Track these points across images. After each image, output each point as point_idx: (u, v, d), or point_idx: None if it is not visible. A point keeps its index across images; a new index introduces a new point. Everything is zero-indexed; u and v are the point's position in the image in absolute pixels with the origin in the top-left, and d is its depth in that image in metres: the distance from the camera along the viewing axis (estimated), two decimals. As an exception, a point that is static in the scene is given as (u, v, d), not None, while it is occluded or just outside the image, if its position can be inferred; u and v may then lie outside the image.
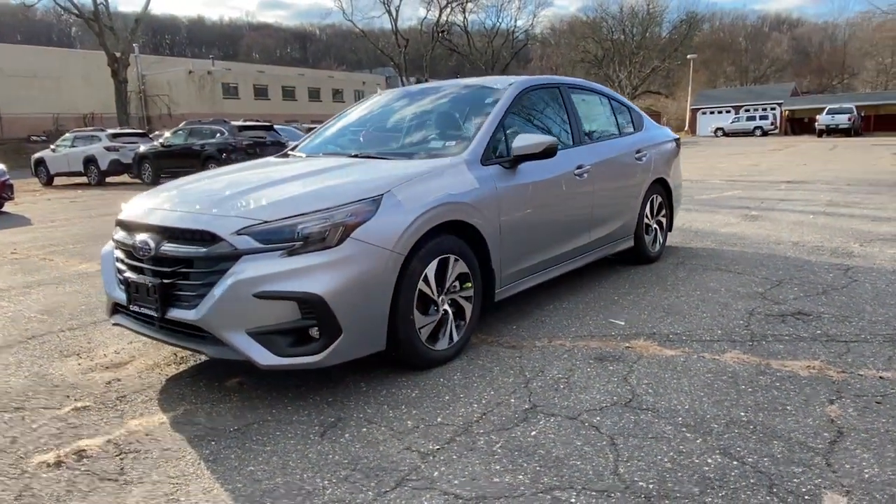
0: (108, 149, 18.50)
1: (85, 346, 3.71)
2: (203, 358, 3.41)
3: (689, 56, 49.30)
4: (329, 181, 3.16)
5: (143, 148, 18.22)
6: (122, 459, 2.41)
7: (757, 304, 3.99)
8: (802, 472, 2.14)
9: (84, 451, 2.48)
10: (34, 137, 36.24)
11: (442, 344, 3.19)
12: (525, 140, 3.56)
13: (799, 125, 48.79)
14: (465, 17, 54.04)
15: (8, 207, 12.19)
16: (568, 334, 3.60)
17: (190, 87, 44.94)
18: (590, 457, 2.29)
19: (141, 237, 2.91)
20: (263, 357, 2.63)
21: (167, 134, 18.57)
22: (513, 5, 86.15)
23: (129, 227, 3.11)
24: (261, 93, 48.58)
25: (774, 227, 6.88)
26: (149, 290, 2.83)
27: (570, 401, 2.75)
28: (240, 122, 17.49)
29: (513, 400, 2.78)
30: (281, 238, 2.69)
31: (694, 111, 54.58)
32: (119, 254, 3.15)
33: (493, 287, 3.53)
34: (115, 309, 3.23)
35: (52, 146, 20.39)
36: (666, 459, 2.25)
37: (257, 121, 19.47)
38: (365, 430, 2.57)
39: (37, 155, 20.41)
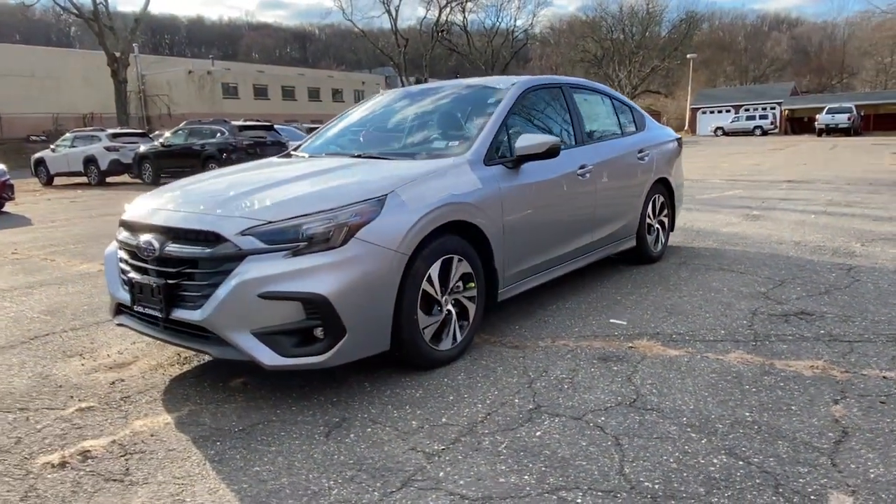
0: (108, 149, 18.48)
1: (88, 347, 3.71)
2: (206, 358, 3.42)
3: (688, 55, 49.32)
4: (333, 181, 3.16)
5: (143, 148, 18.21)
6: (127, 460, 2.41)
7: (760, 304, 4.00)
8: (808, 472, 2.15)
9: (89, 451, 2.48)
10: (33, 137, 36.21)
11: (445, 344, 3.19)
12: (528, 140, 3.56)
13: (799, 124, 48.82)
14: (464, 17, 54.07)
15: (8, 207, 12.19)
16: (571, 334, 3.60)
17: (190, 87, 44.92)
18: (595, 457, 2.29)
19: (145, 238, 2.91)
20: (268, 357, 2.63)
21: (167, 134, 18.57)
22: (512, 5, 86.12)
23: (133, 227, 3.11)
24: (260, 93, 48.54)
25: (776, 226, 6.88)
26: (153, 290, 2.83)
27: (575, 401, 2.75)
28: (240, 122, 17.49)
29: (517, 400, 2.78)
30: (285, 238, 2.69)
31: (694, 110, 54.60)
32: (123, 254, 3.15)
33: (497, 287, 3.53)
34: (119, 309, 3.23)
35: (51, 146, 20.38)
36: (671, 460, 2.25)
37: (257, 121, 19.46)
38: (370, 430, 2.57)
39: (37, 155, 20.39)
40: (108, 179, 19.11)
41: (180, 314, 2.77)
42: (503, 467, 2.25)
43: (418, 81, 48.14)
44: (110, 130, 20.01)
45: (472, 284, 3.31)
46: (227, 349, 2.71)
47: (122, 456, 2.44)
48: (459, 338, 3.27)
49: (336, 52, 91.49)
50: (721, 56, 76.81)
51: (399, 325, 2.91)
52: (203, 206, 2.94)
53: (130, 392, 3.04)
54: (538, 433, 2.48)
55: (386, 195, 2.92)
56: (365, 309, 2.76)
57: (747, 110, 51.12)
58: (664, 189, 5.34)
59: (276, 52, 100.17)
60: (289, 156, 4.37)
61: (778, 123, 48.42)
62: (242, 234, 2.69)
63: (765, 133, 45.35)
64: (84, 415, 2.81)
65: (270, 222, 2.71)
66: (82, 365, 3.42)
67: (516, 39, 60.69)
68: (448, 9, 51.13)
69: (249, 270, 2.63)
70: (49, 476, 2.32)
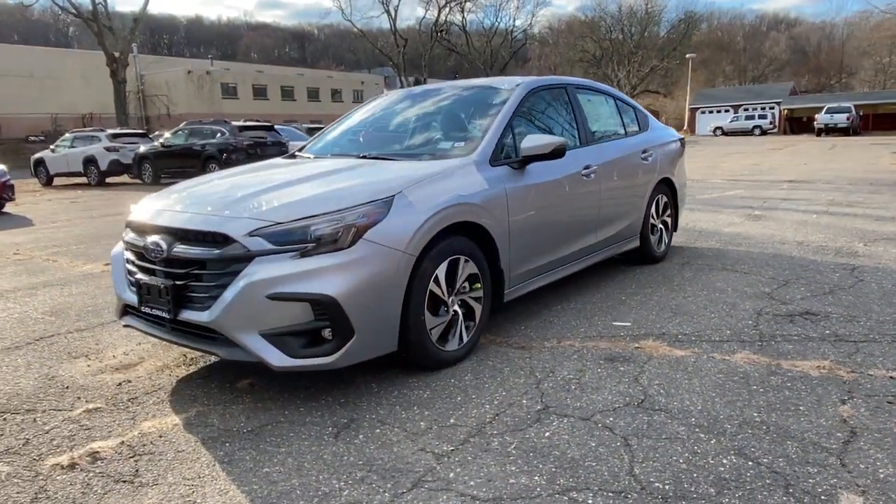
0: (107, 149, 18.49)
1: (93, 348, 3.71)
2: (213, 359, 3.42)
3: (687, 55, 49.36)
4: (340, 183, 3.16)
5: (143, 148, 18.22)
6: (136, 461, 2.41)
7: (764, 304, 4.00)
8: (818, 472, 2.15)
9: (98, 452, 2.48)
10: (32, 138, 36.19)
11: (452, 345, 3.19)
12: (534, 141, 3.56)
13: (798, 124, 48.86)
14: (463, 17, 54.13)
15: (9, 208, 12.18)
16: (577, 335, 3.60)
17: (189, 87, 44.88)
18: (605, 458, 2.29)
19: (152, 239, 2.91)
20: (276, 358, 2.64)
21: (167, 134, 18.56)
22: (511, 5, 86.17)
23: (139, 228, 3.11)
24: (260, 93, 48.52)
25: (778, 226, 6.89)
26: (161, 291, 2.82)
27: (583, 402, 2.75)
28: (240, 123, 17.49)
29: (525, 401, 2.79)
30: (293, 239, 2.69)
31: (693, 110, 54.63)
32: (130, 255, 3.15)
33: (503, 288, 3.53)
34: (125, 310, 3.23)
35: (51, 146, 20.37)
36: (681, 460, 2.25)
37: (258, 121, 19.46)
38: (378, 431, 2.57)
39: (36, 155, 20.39)
40: (108, 180, 19.12)
41: (188, 315, 2.77)
42: (513, 468, 2.25)
43: (417, 81, 48.20)
44: (110, 131, 20.01)
45: (479, 285, 3.32)
46: (234, 350, 2.71)
47: (131, 457, 2.44)
48: (466, 338, 3.27)
49: (335, 53, 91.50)
50: (720, 56, 76.90)
51: (406, 325, 2.91)
52: (211, 208, 2.94)
53: (137, 393, 3.04)
54: (547, 434, 2.48)
55: (393, 196, 2.92)
56: (373, 310, 2.76)
57: (746, 110, 51.18)
58: (667, 189, 5.35)
59: (274, 52, 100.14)
60: (293, 157, 4.37)
61: (777, 123, 48.46)
62: (251, 235, 2.69)
63: (764, 133, 45.38)
64: (92, 416, 2.81)
65: (279, 223, 2.71)
66: (88, 366, 3.42)
67: (515, 39, 60.76)
68: (447, 9, 51.24)
69: (258, 271, 2.63)
70: (59, 477, 2.32)
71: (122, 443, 2.55)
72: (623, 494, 2.06)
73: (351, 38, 65.47)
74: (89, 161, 18.54)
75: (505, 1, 68.59)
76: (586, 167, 4.18)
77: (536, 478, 2.18)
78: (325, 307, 2.64)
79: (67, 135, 20.24)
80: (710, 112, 55.39)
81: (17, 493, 2.23)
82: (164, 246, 2.85)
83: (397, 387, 2.99)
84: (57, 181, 20.02)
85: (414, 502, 2.07)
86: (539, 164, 3.70)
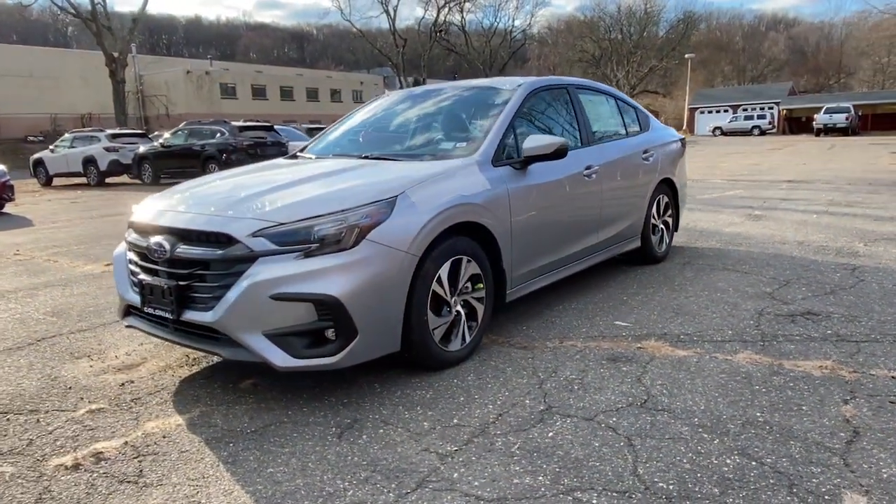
0: (107, 149, 18.48)
1: (96, 348, 3.71)
2: (215, 359, 3.42)
3: (686, 55, 49.38)
4: (343, 183, 3.17)
5: (142, 148, 18.22)
6: (140, 462, 2.41)
7: (766, 304, 4.01)
8: (821, 472, 2.15)
9: (101, 453, 2.48)
10: (31, 138, 36.18)
11: (454, 345, 3.20)
12: (536, 141, 3.57)
13: (797, 124, 48.94)
14: (462, 17, 54.14)
15: (9, 208, 12.17)
16: (579, 335, 3.61)
17: (188, 87, 44.86)
18: (608, 458, 2.29)
19: (155, 239, 2.91)
20: (280, 359, 2.64)
21: (167, 134, 18.56)
22: (510, 5, 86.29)
23: (142, 229, 3.11)
24: (259, 93, 48.51)
25: (778, 226, 6.90)
26: (164, 292, 2.83)
27: (586, 402, 2.75)
28: (240, 123, 17.49)
29: (528, 401, 2.79)
30: (297, 240, 2.69)
31: (692, 110, 54.68)
32: (132, 256, 3.15)
33: (505, 288, 3.54)
34: (128, 311, 3.23)
35: (50, 147, 20.36)
36: (685, 460, 2.25)
37: (257, 121, 19.46)
38: (382, 431, 2.58)
39: (36, 155, 20.39)
40: (108, 180, 19.12)
41: (191, 316, 2.77)
42: (517, 468, 2.25)
43: (416, 82, 48.23)
44: (109, 131, 20.01)
45: (481, 285, 3.32)
46: (238, 350, 2.71)
47: (135, 457, 2.44)
48: (468, 338, 3.27)
49: (334, 53, 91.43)
50: (719, 56, 76.94)
51: (409, 326, 2.91)
52: (214, 208, 2.94)
53: (140, 394, 3.04)
54: (550, 434, 2.49)
55: (396, 196, 2.92)
56: (376, 310, 2.76)
57: (745, 110, 51.24)
58: (668, 189, 5.35)
59: (273, 53, 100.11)
60: (295, 157, 4.38)
61: (776, 123, 48.53)
62: (254, 235, 2.69)
63: (763, 133, 45.43)
64: (95, 416, 2.81)
65: (282, 224, 2.71)
66: (90, 366, 3.42)
67: (514, 39, 60.79)
68: (446, 9, 51.22)
69: (261, 272, 2.64)
70: (63, 478, 2.32)
71: (126, 443, 2.55)
72: (627, 494, 2.07)
73: (350, 38, 65.45)
74: (89, 161, 18.53)
75: (504, 1, 68.67)
76: (588, 167, 4.19)
77: (540, 478, 2.19)
78: (328, 307, 2.64)
79: (67, 135, 20.23)
80: (709, 112, 55.45)
81: (22, 493, 2.23)
82: (168, 246, 2.85)
83: (400, 387, 2.99)
84: (56, 181, 20.01)
85: (418, 502, 2.08)
86: (541, 164, 3.71)
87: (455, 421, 2.63)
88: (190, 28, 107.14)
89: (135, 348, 3.67)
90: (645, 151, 4.95)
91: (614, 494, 2.07)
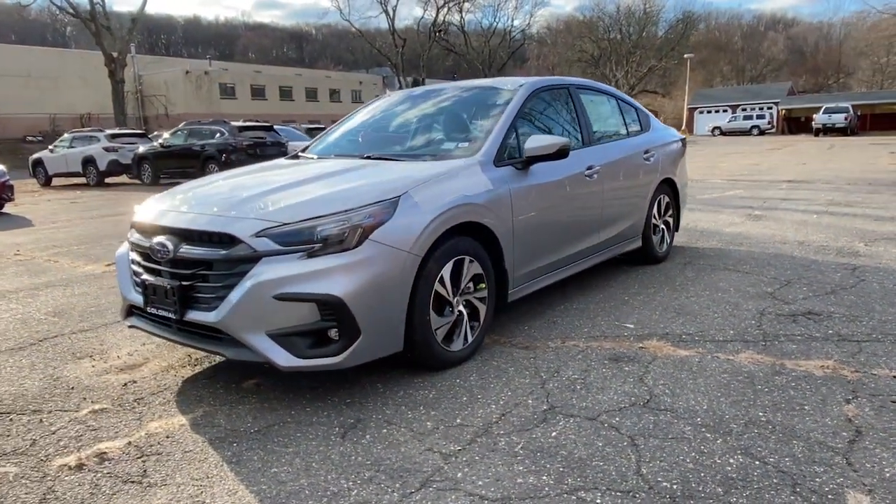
0: (106, 149, 18.46)
1: (98, 348, 3.71)
2: (218, 359, 3.42)
3: (685, 55, 49.35)
4: (345, 183, 3.17)
5: (142, 148, 18.20)
6: (144, 462, 2.41)
7: (767, 304, 4.01)
8: (824, 471, 2.16)
9: (105, 453, 2.48)
10: (30, 138, 36.17)
11: (457, 345, 3.20)
12: (538, 141, 3.57)
13: (796, 124, 48.98)
14: (461, 17, 54.12)
15: (8, 208, 12.17)
16: (581, 335, 3.61)
17: (187, 87, 44.86)
18: (612, 457, 2.30)
19: (158, 239, 2.91)
20: (283, 359, 2.64)
21: (166, 134, 18.54)
22: (509, 5, 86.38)
23: (145, 229, 3.11)
24: (258, 93, 48.52)
25: (779, 226, 6.91)
26: (167, 292, 2.83)
27: (588, 401, 2.76)
28: (240, 123, 17.48)
29: (530, 401, 2.79)
30: (300, 240, 2.69)
31: (691, 110, 54.69)
32: (135, 256, 3.15)
33: (507, 288, 3.54)
34: (130, 311, 3.23)
35: (50, 147, 20.34)
36: (688, 460, 2.26)
37: (257, 121, 19.45)
38: (385, 431, 2.58)
39: (35, 155, 20.36)
40: (107, 180, 19.10)
41: (195, 316, 2.78)
42: (521, 468, 2.26)
43: (416, 81, 48.23)
44: (109, 131, 19.99)
45: (483, 285, 3.33)
46: (241, 350, 2.71)
47: (138, 457, 2.44)
48: (471, 338, 3.28)
49: (333, 53, 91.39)
50: (718, 56, 76.97)
51: (412, 326, 2.91)
52: (217, 208, 2.95)
53: (143, 394, 3.04)
54: (553, 434, 2.49)
55: (399, 197, 2.93)
56: (379, 310, 2.77)
57: (744, 110, 51.29)
58: (669, 189, 5.36)
59: (272, 53, 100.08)
60: (297, 157, 4.38)
61: (775, 123, 48.58)
62: (257, 235, 2.69)
63: (762, 133, 45.47)
64: (98, 416, 2.81)
65: (285, 224, 2.72)
66: (93, 367, 3.42)
67: (513, 39, 60.77)
68: (445, 9, 51.20)
69: (265, 272, 2.64)
70: (66, 478, 2.32)
71: (130, 443, 2.55)
72: (631, 494, 2.07)
73: (349, 38, 65.40)
74: (88, 161, 18.51)
75: (503, 1, 68.73)
76: (589, 167, 4.19)
77: (544, 477, 2.19)
78: (331, 307, 2.64)
79: (66, 135, 20.20)
80: (709, 112, 55.50)
81: (26, 493, 2.23)
82: (171, 246, 2.85)
83: (403, 387, 2.99)
84: (55, 181, 19.99)
85: (423, 502, 2.08)
86: (542, 164, 3.71)
87: (458, 421, 2.64)
88: (189, 28, 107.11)
89: (137, 348, 3.68)
90: (646, 151, 4.95)
91: (618, 494, 2.07)
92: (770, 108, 51.06)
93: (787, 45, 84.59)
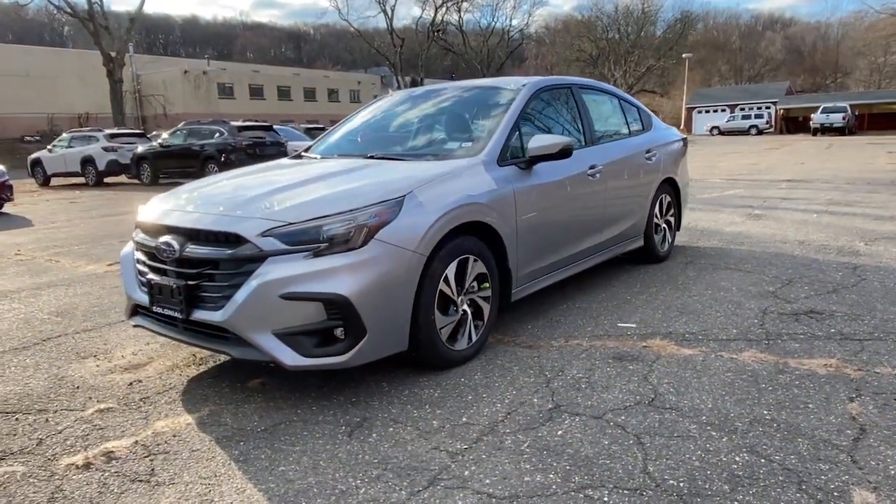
0: (105, 149, 18.44)
1: (102, 348, 3.72)
2: (222, 359, 3.43)
3: (683, 55, 49.42)
4: (350, 183, 3.17)
5: (141, 148, 18.17)
6: (151, 461, 2.42)
7: (769, 303, 4.03)
8: (829, 469, 2.17)
9: (112, 452, 2.49)
10: (28, 137, 36.10)
11: (461, 344, 3.21)
12: (542, 141, 3.58)
13: (794, 124, 49.05)
14: (460, 17, 54.10)
15: (8, 208, 12.15)
16: (584, 334, 3.62)
17: (185, 86, 44.81)
18: (618, 456, 2.31)
19: (164, 239, 2.92)
20: (290, 358, 2.65)
21: (165, 134, 18.52)
22: (508, 4, 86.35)
23: (150, 229, 3.11)
24: (256, 93, 48.49)
25: (779, 225, 6.93)
26: (173, 291, 2.83)
27: (593, 400, 2.77)
28: (239, 123, 17.46)
29: (535, 399, 2.80)
30: (306, 239, 2.70)
31: (689, 110, 54.74)
32: (140, 255, 3.15)
33: (510, 287, 3.55)
34: (135, 310, 3.24)
35: (48, 146, 20.31)
36: (694, 458, 2.27)
37: (256, 121, 19.44)
38: (392, 429, 2.59)
39: (33, 155, 20.32)
40: (106, 180, 19.07)
41: (201, 315, 2.78)
42: (528, 466, 2.27)
43: (414, 81, 48.22)
44: (108, 131, 19.94)
45: (487, 284, 3.34)
46: (247, 350, 2.72)
47: (146, 456, 2.45)
48: (475, 337, 3.29)
49: (331, 52, 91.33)
50: (716, 55, 77.07)
51: (417, 325, 2.92)
52: (223, 208, 2.95)
53: (149, 393, 3.04)
54: (559, 432, 2.50)
55: (404, 196, 2.93)
56: (384, 309, 2.77)
57: (742, 109, 51.36)
58: (671, 189, 5.37)
59: (270, 52, 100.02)
60: (300, 157, 4.38)
61: (773, 123, 48.63)
62: (263, 235, 2.70)
63: (760, 132, 45.52)
64: (104, 416, 2.82)
65: (291, 223, 2.72)
66: (97, 366, 3.43)
67: (512, 39, 60.79)
68: (444, 8, 51.20)
69: (271, 271, 2.65)
70: (74, 477, 2.32)
71: (136, 442, 2.56)
72: (639, 492, 2.08)
73: (347, 37, 65.37)
74: (87, 161, 18.48)
75: (501, 0, 68.71)
76: (592, 167, 4.20)
77: (551, 476, 2.20)
78: (337, 307, 2.65)
79: (65, 135, 20.17)
80: (707, 112, 55.54)
81: (34, 492, 2.24)
82: (176, 246, 2.86)
83: (408, 386, 3.00)
84: (54, 181, 19.95)
85: (431, 500, 2.09)
86: (546, 164, 3.72)
87: (464, 419, 2.65)
88: (187, 28, 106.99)
89: (141, 348, 3.68)
90: (648, 151, 4.97)
91: (625, 492, 2.08)
92: (768, 107, 51.13)
93: (784, 44, 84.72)
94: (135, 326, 3.26)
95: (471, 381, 3.03)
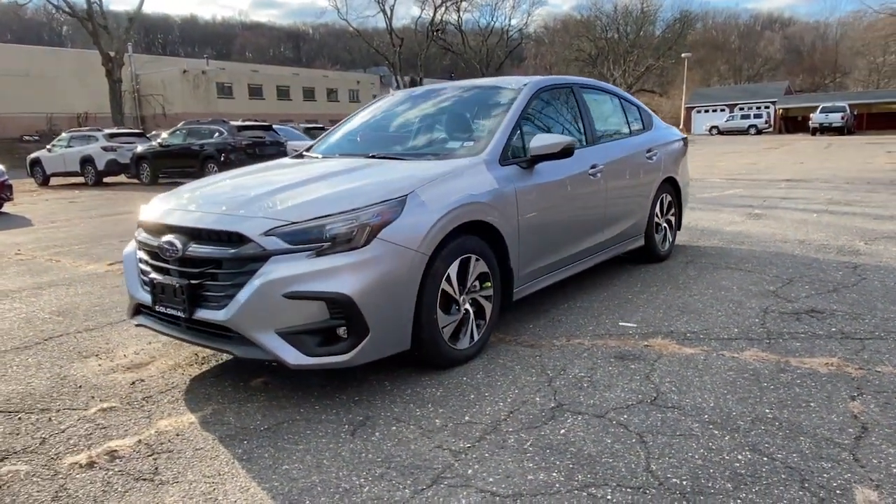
0: (105, 149, 18.43)
1: (104, 347, 3.72)
2: (225, 358, 3.43)
3: (682, 55, 49.41)
4: (352, 182, 3.18)
5: (140, 148, 18.16)
6: (155, 459, 2.42)
7: (770, 303, 4.04)
8: (831, 467, 2.18)
9: (115, 451, 2.49)
10: (27, 137, 36.05)
11: (463, 343, 3.22)
12: (543, 140, 3.59)
13: (793, 123, 49.08)
14: (459, 17, 54.13)
15: (7, 208, 12.15)
16: (585, 333, 3.63)
17: (184, 86, 44.78)
18: (621, 454, 2.32)
19: (167, 238, 2.92)
20: (293, 357, 2.65)
21: (165, 134, 18.51)
22: (507, 4, 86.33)
23: (153, 228, 3.12)
24: (255, 92, 48.47)
25: (779, 225, 6.94)
26: (176, 290, 2.84)
27: (596, 399, 2.78)
28: (239, 122, 17.46)
29: (538, 398, 2.81)
30: (309, 239, 2.71)
31: (689, 109, 54.74)
32: (143, 255, 3.16)
33: (512, 286, 3.56)
34: (138, 309, 3.24)
35: (48, 146, 20.29)
36: (696, 456, 2.28)
37: (255, 120, 19.44)
38: (394, 428, 2.59)
39: (33, 155, 20.30)
40: (106, 180, 19.06)
41: (204, 314, 2.79)
42: (531, 465, 2.27)
43: (413, 81, 48.22)
44: (107, 130, 19.92)
45: (489, 284, 3.34)
46: (250, 349, 2.72)
47: (149, 455, 2.45)
48: (477, 337, 3.29)
49: (330, 52, 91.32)
50: (715, 55, 77.10)
51: (419, 324, 2.93)
52: (225, 207, 2.96)
53: (151, 392, 3.05)
54: (562, 431, 2.51)
55: (406, 195, 2.94)
56: (387, 308, 2.78)
57: (742, 109, 51.40)
58: (671, 188, 5.38)
59: (269, 52, 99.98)
60: (301, 157, 4.38)
61: (772, 122, 48.68)
62: (266, 234, 2.70)
63: (759, 132, 45.56)
64: (107, 415, 2.82)
65: (294, 223, 2.73)
66: (99, 365, 3.43)
67: (511, 39, 60.81)
68: (443, 8, 51.21)
69: (274, 270, 2.65)
70: (78, 476, 2.33)
71: (140, 441, 2.56)
72: (642, 490, 2.09)
73: (346, 37, 65.39)
74: (86, 161, 18.47)
75: (500, 0, 68.67)
76: (593, 166, 4.21)
77: (554, 474, 2.21)
78: (340, 306, 2.66)
79: (64, 134, 20.16)
80: (706, 111, 55.58)
81: (38, 491, 2.24)
82: (179, 245, 2.86)
83: (410, 385, 3.01)
84: (54, 181, 19.94)
85: (434, 498, 2.10)
86: (547, 163, 3.73)
87: (466, 418, 2.65)
88: (186, 27, 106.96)
89: (143, 347, 3.68)
90: (648, 150, 4.97)
91: (629, 490, 2.09)
92: (767, 107, 51.18)
93: (783, 44, 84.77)
94: (137, 325, 3.26)
95: (473, 380, 3.03)
